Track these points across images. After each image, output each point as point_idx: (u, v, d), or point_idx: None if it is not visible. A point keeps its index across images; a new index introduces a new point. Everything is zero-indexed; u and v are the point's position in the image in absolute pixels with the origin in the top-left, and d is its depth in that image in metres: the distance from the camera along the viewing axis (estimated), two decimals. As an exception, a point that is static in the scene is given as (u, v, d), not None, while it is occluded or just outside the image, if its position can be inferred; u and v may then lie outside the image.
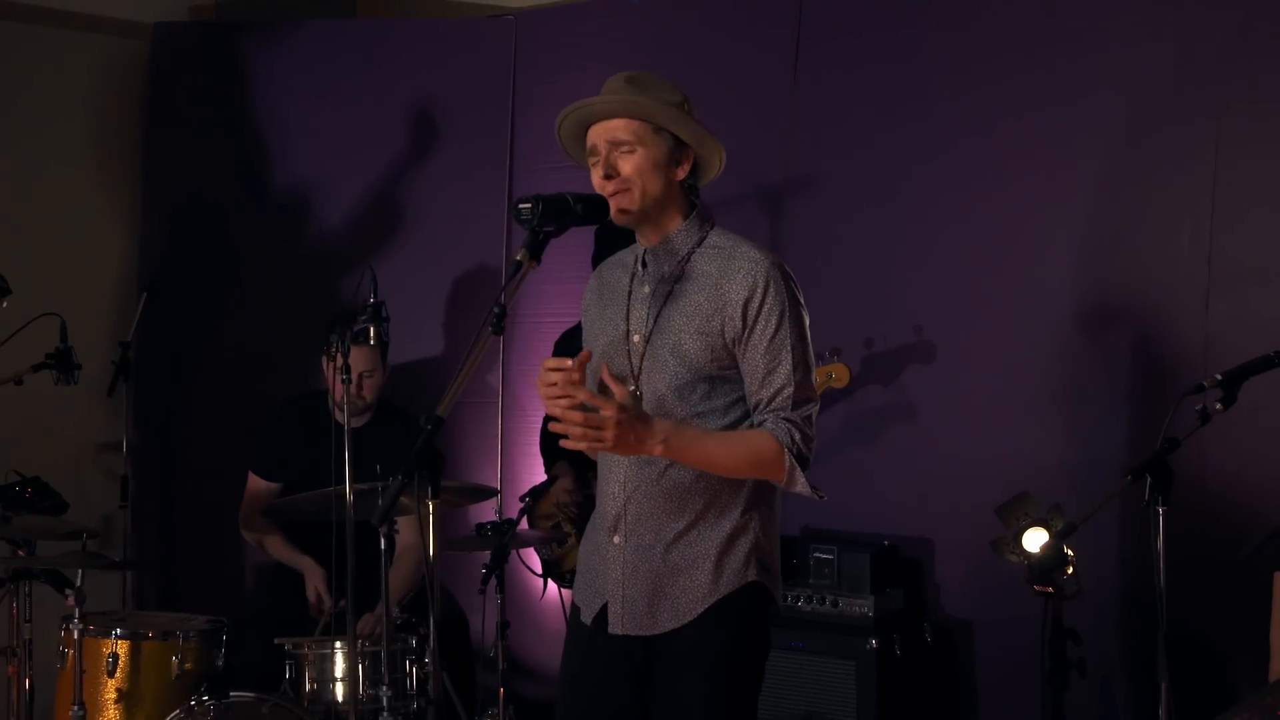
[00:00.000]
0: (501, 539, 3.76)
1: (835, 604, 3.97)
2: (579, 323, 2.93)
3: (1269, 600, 2.93)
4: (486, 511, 4.53)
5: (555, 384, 2.47)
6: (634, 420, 2.47)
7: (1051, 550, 3.31)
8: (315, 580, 4.16)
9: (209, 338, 5.11)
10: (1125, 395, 3.84)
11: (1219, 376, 2.85)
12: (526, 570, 4.40)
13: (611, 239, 2.70)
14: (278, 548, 4.34)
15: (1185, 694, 2.79)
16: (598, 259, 3.86)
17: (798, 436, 2.59)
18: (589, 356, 2.55)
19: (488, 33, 5.04)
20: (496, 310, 2.35)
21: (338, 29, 5.22)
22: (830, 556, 4.04)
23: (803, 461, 2.60)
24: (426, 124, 5.01)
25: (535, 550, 4.37)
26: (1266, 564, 2.99)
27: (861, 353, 4.20)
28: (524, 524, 4.08)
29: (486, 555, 3.79)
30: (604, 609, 2.71)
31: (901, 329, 4.16)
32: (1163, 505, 2.76)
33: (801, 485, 2.61)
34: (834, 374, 4.00)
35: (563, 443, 2.43)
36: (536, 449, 4.48)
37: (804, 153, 4.40)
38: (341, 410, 4.13)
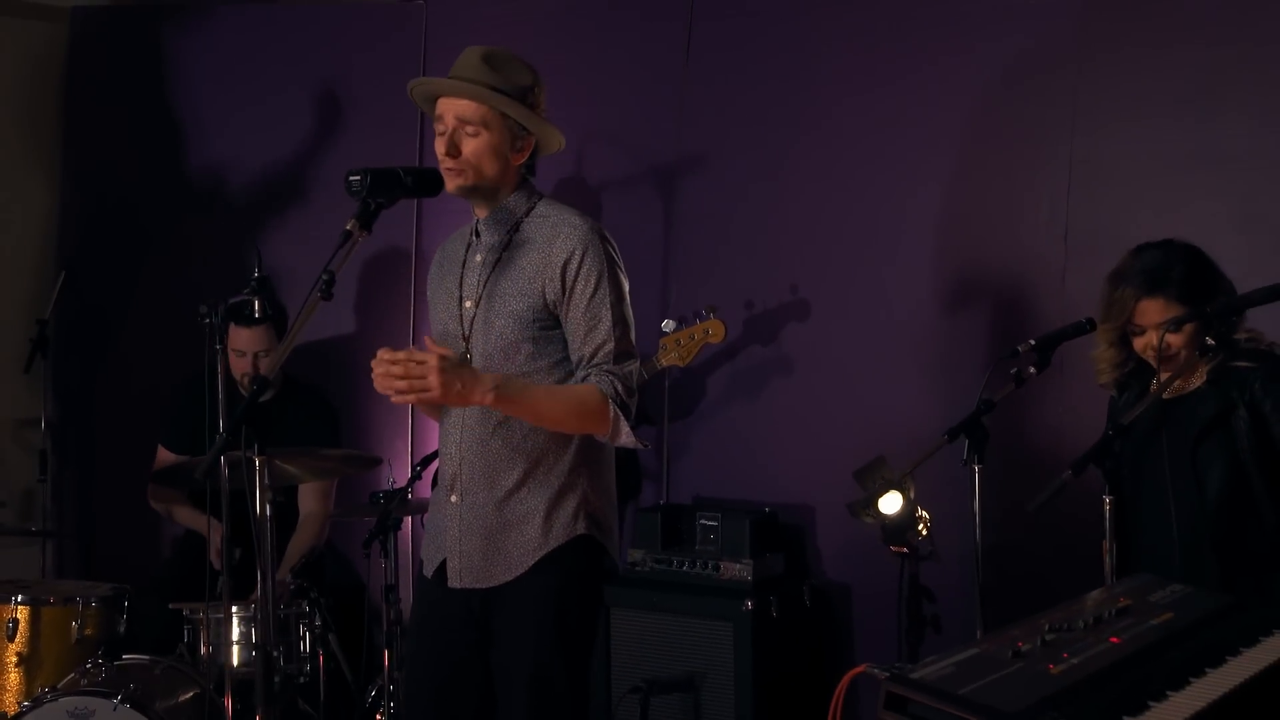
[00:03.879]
0: (388, 506, 3.90)
1: (716, 568, 4.11)
2: None
3: (1097, 549, 3.05)
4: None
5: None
6: (458, 367, 2.57)
7: (904, 511, 3.44)
8: (216, 538, 4.30)
9: (127, 315, 5.20)
10: (987, 366, 3.96)
11: (1033, 342, 2.99)
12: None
13: None
14: (185, 516, 4.47)
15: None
16: None
17: (620, 388, 2.73)
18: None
19: (398, 17, 5.14)
20: (325, 277, 2.48)
21: (254, 12, 5.31)
22: (714, 523, 4.19)
23: (625, 412, 2.73)
24: (337, 107, 5.12)
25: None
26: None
27: (744, 317, 4.34)
28: (425, 490, 4.19)
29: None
30: (444, 564, 2.85)
31: (785, 300, 4.30)
32: (979, 464, 2.89)
33: (626, 436, 2.74)
34: (710, 330, 4.12)
35: (394, 399, 2.56)
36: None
37: (696, 132, 4.53)
38: (241, 385, 4.27)
